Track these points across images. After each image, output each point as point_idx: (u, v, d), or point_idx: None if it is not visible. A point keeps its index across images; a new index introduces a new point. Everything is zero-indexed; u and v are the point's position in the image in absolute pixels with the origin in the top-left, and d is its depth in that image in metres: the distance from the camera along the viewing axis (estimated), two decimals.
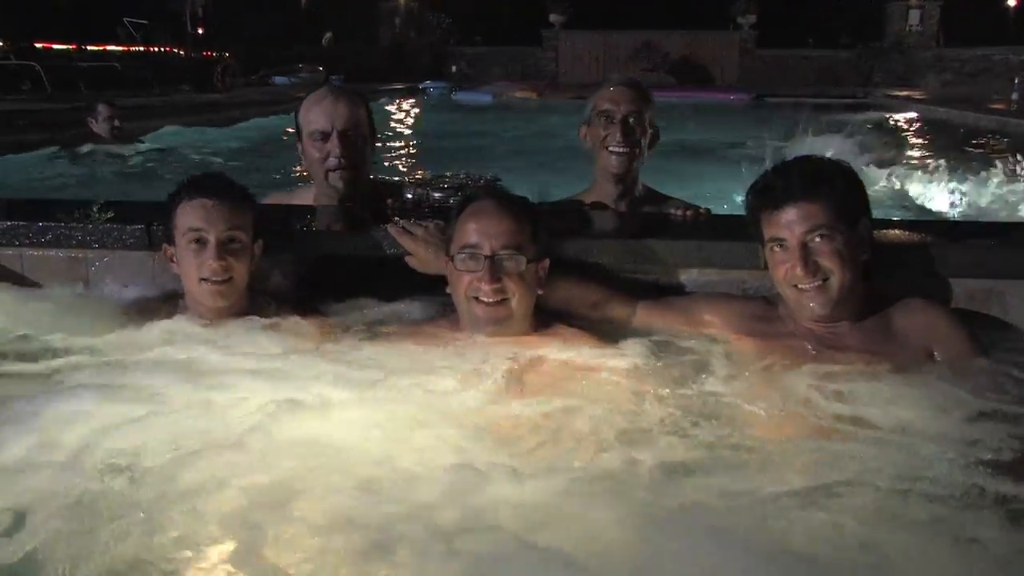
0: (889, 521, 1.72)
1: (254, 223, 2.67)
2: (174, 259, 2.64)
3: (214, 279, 2.57)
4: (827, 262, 2.35)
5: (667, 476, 1.91)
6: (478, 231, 2.45)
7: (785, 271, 2.40)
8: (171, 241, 2.63)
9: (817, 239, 2.35)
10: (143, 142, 9.03)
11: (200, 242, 2.56)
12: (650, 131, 3.25)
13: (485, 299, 2.44)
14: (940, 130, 12.93)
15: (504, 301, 2.45)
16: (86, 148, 8.37)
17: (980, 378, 2.28)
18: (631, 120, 3.18)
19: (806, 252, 2.36)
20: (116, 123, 8.59)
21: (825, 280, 2.37)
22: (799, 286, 2.39)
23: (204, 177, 2.72)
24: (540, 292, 2.54)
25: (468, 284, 2.46)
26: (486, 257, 2.43)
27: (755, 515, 1.75)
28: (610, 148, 3.19)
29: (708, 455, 2.00)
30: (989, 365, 2.36)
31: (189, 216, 2.57)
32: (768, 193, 2.44)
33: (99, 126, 8.54)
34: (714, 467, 1.95)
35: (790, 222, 2.37)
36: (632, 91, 3.25)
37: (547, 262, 2.56)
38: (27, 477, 1.87)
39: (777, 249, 2.41)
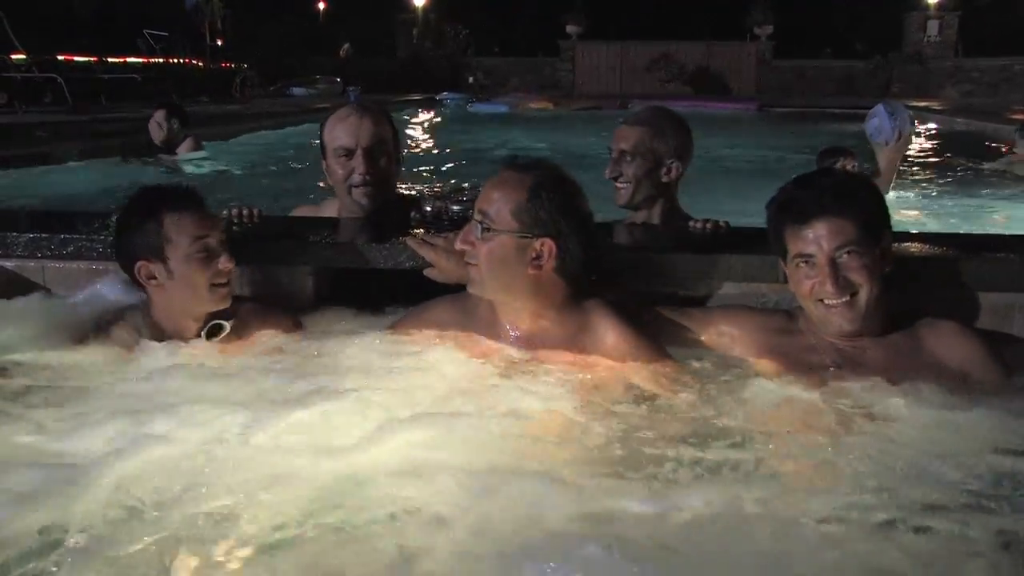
0: (903, 542, 1.70)
1: None
2: (156, 276, 2.56)
3: (226, 281, 2.59)
4: (856, 277, 2.33)
5: (678, 487, 1.90)
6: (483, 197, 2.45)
7: (812, 286, 2.37)
8: (153, 257, 2.55)
9: (846, 255, 2.33)
10: (197, 151, 8.84)
11: (208, 249, 2.55)
12: (649, 164, 3.31)
13: None
14: (958, 140, 12.86)
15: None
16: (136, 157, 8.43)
17: (1007, 402, 2.22)
18: (623, 157, 3.31)
19: (835, 268, 2.33)
20: (166, 130, 8.37)
21: (853, 295, 2.34)
22: (826, 302, 2.37)
23: (174, 188, 2.67)
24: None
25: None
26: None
27: (766, 530, 1.74)
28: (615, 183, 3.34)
29: (722, 467, 1.98)
30: (1016, 388, 2.32)
31: (190, 226, 2.54)
32: (793, 207, 2.40)
33: (154, 132, 8.39)
34: (728, 480, 1.93)
35: (819, 237, 2.34)
36: (629, 129, 3.35)
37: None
38: None
39: (803, 265, 2.38)
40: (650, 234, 3.20)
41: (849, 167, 6.05)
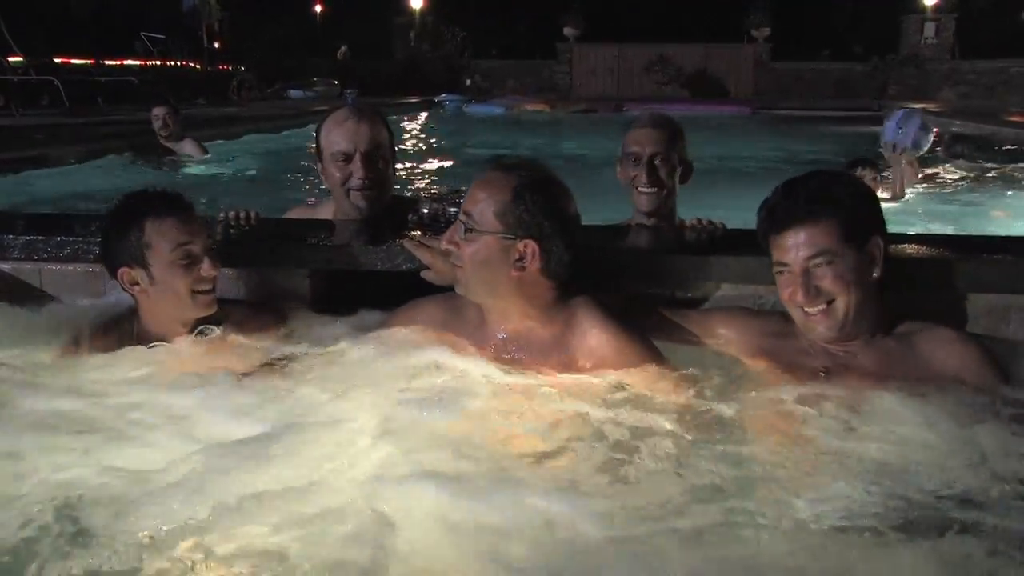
0: (895, 544, 1.70)
1: None
2: (139, 282, 2.54)
3: (210, 288, 2.57)
4: (830, 286, 2.31)
5: (666, 487, 1.90)
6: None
7: (789, 295, 2.37)
8: (135, 264, 2.53)
9: (819, 265, 2.30)
10: (199, 153, 8.80)
11: (191, 255, 2.52)
12: (680, 167, 3.31)
13: None
14: (955, 143, 12.88)
15: None
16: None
17: (1001, 408, 2.21)
18: (656, 161, 3.26)
19: (808, 277, 2.31)
20: (170, 122, 8.42)
21: (830, 303, 2.33)
22: (805, 309, 2.36)
23: (158, 194, 2.61)
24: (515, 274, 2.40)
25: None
26: None
27: (754, 533, 1.74)
28: (639, 188, 3.28)
29: (710, 468, 1.98)
30: (1011, 394, 2.29)
31: (172, 232, 2.51)
32: (775, 214, 2.39)
33: (157, 127, 8.43)
34: (716, 480, 1.93)
35: (792, 247, 2.32)
36: (658, 131, 3.31)
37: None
38: None
39: (782, 272, 2.38)
40: (648, 235, 3.20)
41: (868, 179, 5.90)
